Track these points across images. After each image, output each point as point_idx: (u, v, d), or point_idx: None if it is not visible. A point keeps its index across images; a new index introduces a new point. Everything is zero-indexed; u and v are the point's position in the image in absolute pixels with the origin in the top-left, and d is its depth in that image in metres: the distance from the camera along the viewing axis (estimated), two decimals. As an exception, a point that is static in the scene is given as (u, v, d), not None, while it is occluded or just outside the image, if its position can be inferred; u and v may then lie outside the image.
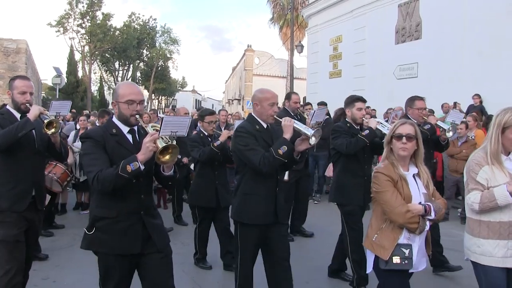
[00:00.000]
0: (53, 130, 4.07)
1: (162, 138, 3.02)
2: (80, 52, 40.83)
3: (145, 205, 3.27)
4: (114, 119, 3.29)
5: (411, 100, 5.76)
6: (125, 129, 3.26)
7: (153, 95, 50.41)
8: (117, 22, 78.32)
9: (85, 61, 41.59)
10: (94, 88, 46.09)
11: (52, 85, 26.45)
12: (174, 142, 3.05)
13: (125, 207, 3.14)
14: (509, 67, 12.14)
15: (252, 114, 4.31)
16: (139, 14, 49.48)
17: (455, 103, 12.26)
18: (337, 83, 20.22)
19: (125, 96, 3.18)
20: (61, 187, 7.35)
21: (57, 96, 26.85)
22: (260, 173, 4.00)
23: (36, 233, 4.39)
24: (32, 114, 3.99)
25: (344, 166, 5.23)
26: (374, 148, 5.17)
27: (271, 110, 4.16)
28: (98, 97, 44.96)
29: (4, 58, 24.37)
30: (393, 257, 3.28)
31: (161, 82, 49.69)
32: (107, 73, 47.79)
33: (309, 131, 3.94)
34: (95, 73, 46.19)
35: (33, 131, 4.08)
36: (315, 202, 10.25)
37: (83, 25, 39.61)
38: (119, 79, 46.86)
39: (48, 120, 4.04)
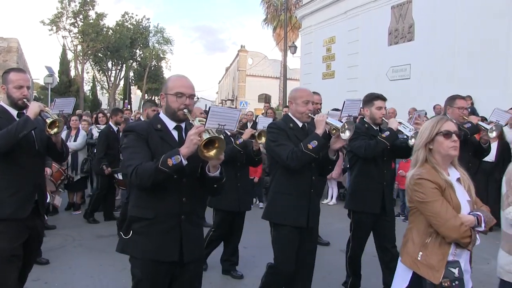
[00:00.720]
0: (55, 130, 3.75)
1: (209, 132, 2.72)
2: (73, 51, 40.73)
3: (186, 209, 2.97)
4: (161, 114, 3.09)
5: (452, 99, 5.40)
6: (171, 124, 3.04)
7: (146, 95, 50.29)
8: (110, 21, 78.02)
9: (78, 61, 41.47)
10: (86, 87, 46.02)
11: (44, 84, 26.31)
12: (222, 136, 2.77)
13: (164, 208, 2.90)
14: (500, 69, 12.20)
15: (288, 113, 4.24)
16: (132, 13, 49.41)
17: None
18: (331, 84, 20.25)
19: (175, 88, 2.97)
20: (55, 186, 7.32)
21: (49, 96, 26.68)
22: (290, 170, 3.88)
23: (39, 239, 4.05)
24: (32, 112, 3.64)
25: (361, 170, 4.89)
26: (395, 151, 4.82)
27: (306, 108, 4.03)
28: (90, 96, 44.88)
29: (-4, 57, 24.24)
30: (442, 281, 2.74)
31: (154, 82, 49.63)
32: (100, 72, 47.65)
33: (340, 124, 3.75)
34: (87, 72, 46.13)
35: (33, 131, 3.73)
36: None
37: (76, 24, 39.46)
38: (112, 79, 46.75)
39: (51, 119, 3.71)
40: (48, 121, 3.69)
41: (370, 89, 17.37)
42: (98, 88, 47.44)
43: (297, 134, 4.03)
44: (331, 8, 20.61)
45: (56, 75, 32.81)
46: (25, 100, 3.76)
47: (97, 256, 6.39)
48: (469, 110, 9.88)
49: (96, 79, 46.95)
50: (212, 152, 2.70)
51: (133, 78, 50.95)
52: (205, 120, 3.12)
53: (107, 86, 47.56)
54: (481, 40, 12.84)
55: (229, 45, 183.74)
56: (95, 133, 9.81)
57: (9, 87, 3.76)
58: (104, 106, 44.14)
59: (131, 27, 45.53)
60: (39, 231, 3.98)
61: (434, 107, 12.21)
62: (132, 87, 53.20)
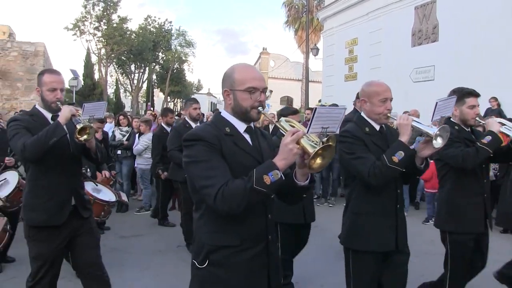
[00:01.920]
0: (85, 136, 3.50)
1: (307, 137, 2.24)
2: (97, 54, 41.20)
3: (272, 227, 2.53)
4: (225, 114, 2.53)
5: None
6: (241, 126, 2.50)
7: (168, 97, 50.65)
8: (133, 25, 78.97)
9: (102, 64, 41.93)
10: (110, 90, 46.47)
11: (69, 87, 26.68)
12: (324, 140, 2.36)
13: (250, 231, 2.40)
14: (528, 70, 11.98)
15: (362, 113, 3.56)
16: (154, 17, 49.85)
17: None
18: (353, 86, 20.05)
19: (245, 82, 2.42)
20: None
21: (74, 99, 27.07)
22: (372, 187, 3.26)
23: (90, 246, 3.81)
24: (62, 117, 3.45)
25: (456, 182, 4.06)
26: (496, 156, 3.98)
27: (383, 107, 3.37)
28: (114, 99, 45.33)
29: (23, 61, 24.77)
30: None
31: (176, 84, 49.96)
32: (123, 75, 48.11)
33: (432, 130, 3.13)
34: (111, 75, 46.57)
35: (64, 136, 3.54)
36: (330, 205, 10.23)
37: (100, 28, 39.97)
38: (135, 81, 47.21)
39: (81, 125, 3.47)
40: (78, 127, 3.46)
41: (393, 91, 17.20)
42: (122, 90, 47.95)
43: (375, 140, 3.40)
44: (353, 10, 20.49)
45: (81, 78, 33.31)
46: (58, 103, 3.61)
47: (120, 256, 6.42)
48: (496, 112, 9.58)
49: (119, 82, 47.45)
50: (319, 162, 2.22)
51: (155, 81, 51.32)
52: (295, 122, 2.54)
53: (130, 89, 48.02)
54: (507, 40, 12.63)
55: (251, 47, 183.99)
56: (118, 135, 9.90)
57: (43, 89, 3.63)
58: (127, 108, 44.58)
59: (154, 30, 45.90)
60: (86, 232, 3.78)
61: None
62: (155, 90, 53.57)
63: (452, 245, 4.04)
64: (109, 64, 43.34)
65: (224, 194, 2.18)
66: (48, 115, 3.67)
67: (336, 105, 11.45)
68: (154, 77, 51.30)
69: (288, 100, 46.54)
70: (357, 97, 6.39)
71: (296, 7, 38.84)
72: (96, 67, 41.70)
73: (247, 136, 2.51)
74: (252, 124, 2.55)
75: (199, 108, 6.98)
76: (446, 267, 4.10)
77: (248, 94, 2.41)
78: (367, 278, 3.41)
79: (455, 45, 14.47)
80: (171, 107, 53.19)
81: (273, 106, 35.76)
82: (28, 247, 3.64)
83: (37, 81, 3.73)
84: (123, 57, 44.44)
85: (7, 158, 5.76)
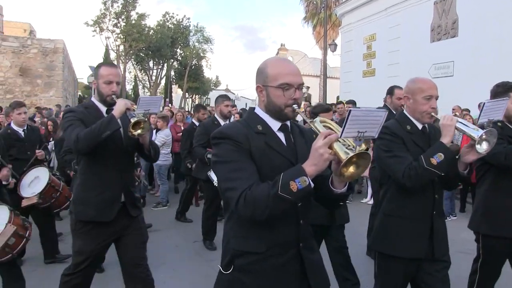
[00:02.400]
0: (139, 131, 3.41)
1: (340, 141, 2.05)
2: (115, 51, 41.56)
3: (304, 234, 2.33)
4: (258, 111, 2.36)
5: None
6: (275, 125, 2.32)
7: (186, 94, 50.85)
8: (151, 22, 79.44)
9: (120, 60, 42.27)
10: (128, 87, 46.93)
11: (87, 83, 27.00)
12: (363, 147, 2.14)
13: (277, 238, 2.22)
14: (550, 65, 11.76)
15: (404, 111, 3.34)
16: (173, 13, 50.09)
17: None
18: (371, 82, 19.97)
19: (279, 77, 2.24)
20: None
21: (92, 95, 27.37)
22: (407, 189, 3.04)
23: (136, 245, 3.72)
24: (117, 111, 3.37)
25: (494, 183, 3.75)
26: None
27: (427, 105, 3.13)
28: (132, 95, 45.73)
29: (43, 57, 25.09)
30: None
31: (194, 81, 50.08)
32: (142, 72, 48.47)
33: (476, 133, 2.88)
34: (129, 72, 46.98)
35: (118, 130, 3.46)
36: (348, 201, 10.18)
37: (118, 24, 40.28)
38: (153, 78, 47.51)
39: (135, 119, 3.38)
40: (132, 121, 3.38)
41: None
42: (140, 87, 48.34)
43: (416, 139, 3.18)
44: (371, 5, 20.33)
45: (100, 74, 33.61)
46: (113, 96, 3.54)
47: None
48: None
49: (138, 78, 47.85)
50: (352, 170, 2.02)
51: (174, 77, 51.50)
52: (332, 124, 2.38)
53: (148, 85, 48.37)
54: (529, 35, 12.41)
55: (269, 43, 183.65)
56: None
57: (99, 82, 3.57)
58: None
59: (172, 26, 46.10)
60: (134, 232, 3.71)
61: (479, 105, 11.85)
62: (173, 86, 53.81)
63: (485, 249, 3.78)
64: (127, 61, 43.67)
65: (246, 199, 2.02)
66: (103, 109, 3.61)
67: (353, 102, 11.34)
68: (172, 73, 51.51)
69: (306, 96, 46.33)
70: (388, 92, 6.25)
71: (315, 2, 38.58)
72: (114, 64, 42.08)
73: (281, 135, 2.32)
74: (288, 122, 2.36)
75: (231, 105, 6.83)
76: (476, 269, 3.87)
77: (281, 91, 2.22)
78: (393, 283, 3.25)
79: (475, 40, 14.25)
80: (189, 104, 53.44)
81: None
82: (72, 240, 3.64)
83: (94, 75, 3.72)
84: (141, 54, 44.76)
85: (37, 151, 5.80)
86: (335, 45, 26.14)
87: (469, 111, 10.65)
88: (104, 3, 39.54)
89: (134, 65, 46.98)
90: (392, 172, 3.11)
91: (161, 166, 9.66)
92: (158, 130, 9.92)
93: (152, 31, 42.92)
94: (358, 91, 20.02)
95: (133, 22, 40.40)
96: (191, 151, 7.48)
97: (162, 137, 9.58)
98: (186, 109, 34.56)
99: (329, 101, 20.54)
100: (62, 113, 3.76)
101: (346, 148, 1.99)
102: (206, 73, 54.73)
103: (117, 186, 3.56)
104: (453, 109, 11.32)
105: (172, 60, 48.83)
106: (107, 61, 39.49)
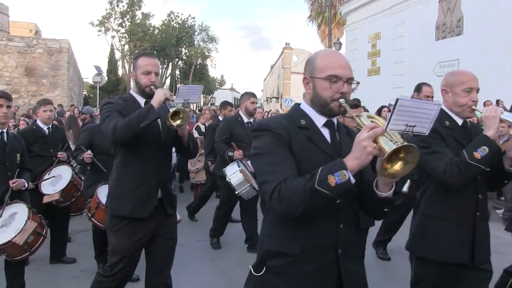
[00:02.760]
0: (178, 122, 3.21)
1: (387, 136, 1.83)
2: (120, 51, 41.67)
3: (344, 240, 2.11)
4: (304, 105, 2.23)
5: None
6: (319, 120, 2.17)
7: (191, 93, 50.89)
8: (156, 21, 79.68)
9: (125, 60, 42.41)
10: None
11: (93, 83, 27.06)
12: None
13: (313, 240, 2.05)
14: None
15: (442, 105, 3.02)
16: (177, 13, 50.20)
17: (498, 101, 11.88)
18: (376, 81, 19.94)
19: (327, 69, 2.09)
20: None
21: (98, 94, 27.44)
22: (448, 187, 2.82)
23: (169, 244, 3.59)
24: (156, 100, 3.21)
25: None
26: None
27: (468, 98, 2.92)
28: (138, 95, 45.85)
29: (48, 57, 25.19)
30: None
31: (199, 80, 50.20)
32: (147, 71, 48.61)
33: None
34: (135, 71, 47.08)
35: (159, 120, 3.32)
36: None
37: (123, 24, 40.39)
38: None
39: (174, 109, 3.17)
40: (171, 111, 3.16)
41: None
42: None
43: (456, 135, 2.94)
44: (376, 4, 20.31)
45: (105, 74, 33.77)
46: (152, 87, 3.39)
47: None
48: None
49: (142, 78, 47.89)
50: (397, 167, 1.82)
51: (179, 76, 51.67)
52: (377, 118, 2.08)
53: (153, 85, 48.49)
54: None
55: (274, 43, 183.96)
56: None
57: (137, 73, 3.45)
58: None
59: (177, 26, 46.20)
60: (168, 232, 3.55)
61: (484, 103, 11.80)
62: (178, 85, 53.94)
63: None
64: (132, 60, 43.83)
65: (281, 192, 1.89)
66: (142, 100, 3.48)
67: (358, 101, 11.28)
68: (177, 72, 51.67)
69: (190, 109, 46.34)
70: (415, 90, 6.03)
71: (319, 1, 38.56)
72: (119, 63, 42.21)
73: (325, 132, 2.17)
74: (335, 119, 2.21)
75: (257, 103, 6.70)
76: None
77: (328, 83, 2.07)
78: None
79: (480, 38, 14.20)
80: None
81: (296, 101, 35.69)
82: (107, 238, 3.56)
83: (132, 66, 3.60)
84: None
85: (59, 153, 5.75)
86: (340, 43, 26.11)
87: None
88: (110, 3, 39.69)
89: (139, 64, 47.08)
90: (431, 170, 2.88)
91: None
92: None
93: (157, 30, 43.02)
94: (363, 89, 19.93)
95: (138, 21, 40.50)
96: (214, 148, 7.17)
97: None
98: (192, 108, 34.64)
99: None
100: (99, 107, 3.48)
101: (392, 142, 1.78)
102: (211, 72, 54.92)
103: (154, 181, 3.40)
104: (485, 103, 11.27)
105: (177, 60, 49.01)
106: (111, 62, 39.65)
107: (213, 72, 62.20)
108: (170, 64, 48.60)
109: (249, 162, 5.95)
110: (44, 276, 5.35)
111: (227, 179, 5.85)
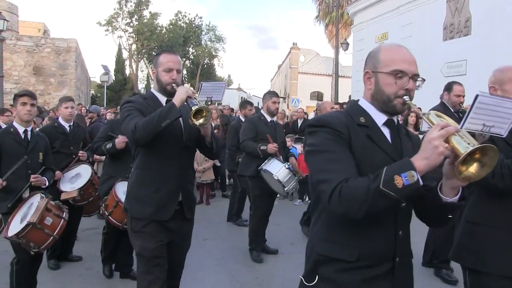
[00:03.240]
0: (201, 120, 3.05)
1: (459, 136, 1.69)
2: (128, 50, 41.80)
3: (402, 248, 2.01)
4: (363, 102, 2.09)
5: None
6: (380, 118, 2.03)
7: (198, 93, 51.02)
8: (164, 21, 79.93)
9: (133, 59, 42.55)
10: (141, 85, 47.20)
11: (100, 82, 27.18)
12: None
13: (372, 247, 1.93)
14: None
15: None
16: (185, 12, 50.32)
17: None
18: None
19: (392, 63, 1.97)
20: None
21: (105, 93, 27.54)
22: (497, 192, 2.61)
23: (183, 248, 3.56)
24: (178, 98, 3.07)
25: None
26: None
27: None
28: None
29: (56, 56, 25.35)
30: None
31: (206, 80, 50.28)
32: (154, 71, 48.82)
33: None
34: (142, 71, 47.31)
35: (180, 119, 3.22)
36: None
37: (131, 24, 40.53)
38: (165, 77, 47.80)
39: (196, 107, 3.01)
40: (193, 109, 3.00)
41: (424, 86, 16.97)
42: (152, 85, 48.52)
43: (507, 137, 2.55)
44: (383, 4, 20.24)
45: (112, 73, 33.92)
46: (174, 85, 3.25)
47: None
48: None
49: (150, 77, 48.02)
50: (473, 170, 1.67)
51: (186, 76, 51.74)
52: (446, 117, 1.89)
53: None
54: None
55: (281, 42, 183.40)
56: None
57: (158, 70, 3.32)
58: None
59: (184, 25, 46.29)
60: (184, 238, 3.49)
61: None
62: (185, 85, 53.99)
63: None
64: (140, 60, 43.93)
65: (342, 192, 1.76)
66: (163, 99, 3.34)
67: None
68: (185, 72, 51.67)
69: (318, 96, 46.22)
70: (445, 89, 5.89)
71: (327, 1, 38.44)
72: (127, 63, 42.36)
73: (386, 131, 2.04)
74: (395, 118, 2.07)
75: (278, 102, 6.61)
76: None
77: (393, 78, 1.95)
78: None
79: (489, 39, 14.11)
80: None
81: (303, 101, 35.65)
82: (131, 242, 3.39)
83: (153, 63, 3.47)
84: (153, 53, 44.98)
85: (80, 152, 5.75)
86: (347, 44, 26.08)
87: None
88: (119, 3, 39.83)
89: (146, 64, 47.22)
90: None
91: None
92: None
93: (164, 30, 43.13)
94: (370, 90, 19.96)
95: (146, 21, 40.63)
96: (239, 148, 6.93)
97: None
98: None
99: (341, 101, 20.47)
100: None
101: (466, 143, 1.64)
102: (218, 72, 54.97)
103: (175, 184, 3.28)
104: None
105: (184, 59, 49.04)
106: (118, 61, 39.76)
107: (220, 71, 62.33)
108: (177, 63, 48.70)
109: (281, 158, 5.96)
110: (51, 273, 5.39)
111: (274, 176, 5.70)
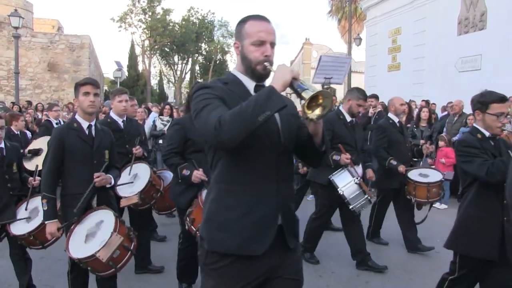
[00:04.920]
0: (318, 111, 2.08)
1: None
2: (141, 46, 41.95)
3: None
4: None
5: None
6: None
7: (211, 88, 51.07)
8: (176, 16, 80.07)
9: (145, 55, 42.67)
10: (153, 81, 47.34)
11: (113, 78, 27.31)
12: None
13: None
14: None
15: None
16: (197, 8, 50.34)
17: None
18: (396, 76, 19.75)
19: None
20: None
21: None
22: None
23: (295, 282, 2.44)
24: (279, 81, 2.07)
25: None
26: None
27: None
28: (157, 90, 46.12)
29: (70, 53, 25.56)
30: None
31: (219, 75, 50.28)
32: (166, 66, 48.86)
33: None
34: (154, 67, 47.40)
35: (276, 113, 2.21)
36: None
37: (144, 20, 40.66)
38: (178, 72, 47.91)
39: (310, 93, 2.01)
40: (306, 95, 2.02)
41: (438, 81, 16.90)
42: (165, 81, 48.66)
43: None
44: (397, -2, 20.09)
45: (125, 69, 34.07)
46: (266, 64, 2.29)
47: (153, 244, 6.44)
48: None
49: (162, 73, 48.18)
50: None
51: (198, 71, 51.77)
52: None
53: (173, 80, 48.73)
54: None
55: (294, 38, 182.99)
56: (159, 124, 10.05)
57: (244, 43, 2.33)
58: (171, 99, 45.29)
59: (197, 21, 46.30)
60: (292, 273, 2.41)
61: (509, 99, 11.61)
62: (198, 81, 54.14)
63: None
64: (152, 56, 44.07)
65: None
66: (250, 84, 2.38)
67: (376, 96, 11.07)
68: (197, 68, 51.75)
69: (331, 91, 46.12)
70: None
71: (340, -4, 38.34)
72: (140, 59, 42.51)
73: None
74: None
75: (365, 108, 6.43)
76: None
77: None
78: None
79: (504, 33, 13.92)
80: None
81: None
82: (201, 276, 2.49)
83: (236, 33, 2.43)
84: (166, 49, 45.11)
85: (135, 148, 5.20)
86: (360, 39, 25.94)
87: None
88: (132, -1, 40.01)
89: (159, 60, 47.38)
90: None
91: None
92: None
93: (177, 26, 43.21)
94: (383, 85, 19.81)
95: (158, 17, 40.73)
96: None
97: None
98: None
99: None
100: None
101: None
102: (230, 67, 54.89)
103: (272, 203, 2.30)
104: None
105: (197, 55, 49.08)
106: (131, 58, 39.75)
107: (233, 67, 62.30)
108: (190, 59, 48.74)
109: (359, 169, 5.44)
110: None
111: (338, 191, 5.10)
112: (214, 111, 2.13)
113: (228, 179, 2.31)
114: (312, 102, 2.06)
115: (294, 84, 2.10)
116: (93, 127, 3.87)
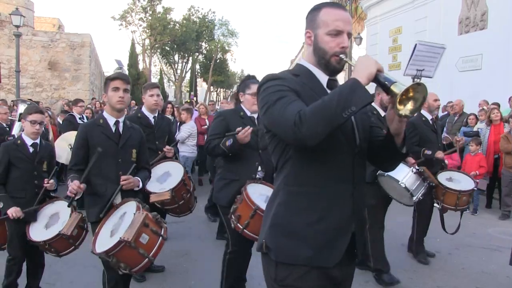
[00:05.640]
0: (410, 106, 1.90)
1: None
2: (141, 45, 41.98)
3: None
4: None
5: None
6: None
7: (211, 87, 51.08)
8: (177, 15, 79.99)
9: (146, 54, 42.71)
10: (154, 80, 47.35)
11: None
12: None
13: None
14: None
15: None
16: (198, 7, 50.39)
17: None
18: (397, 76, 19.57)
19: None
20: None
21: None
22: None
23: None
24: (364, 73, 1.90)
25: None
26: None
27: None
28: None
29: (70, 51, 25.55)
30: None
31: (219, 74, 50.34)
32: (167, 65, 48.98)
33: None
34: (155, 65, 47.52)
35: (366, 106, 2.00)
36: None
37: (144, 18, 40.70)
38: (178, 71, 47.97)
39: (402, 88, 1.86)
40: (396, 90, 1.87)
41: (438, 80, 16.84)
42: (165, 80, 48.77)
43: None
44: (398, -2, 20.09)
45: (126, 68, 34.08)
46: (342, 56, 2.12)
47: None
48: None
49: (163, 72, 48.26)
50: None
51: (199, 70, 51.87)
52: None
53: (173, 79, 48.86)
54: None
55: (294, 36, 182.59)
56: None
57: (318, 33, 2.13)
58: (171, 98, 45.37)
59: (197, 20, 46.35)
60: (349, 285, 2.30)
61: (509, 99, 11.63)
62: (198, 80, 54.12)
63: None
64: (153, 54, 44.10)
65: None
66: (323, 77, 2.18)
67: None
68: (197, 67, 51.87)
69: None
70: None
71: (340, -5, 38.33)
72: (140, 57, 42.57)
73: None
74: None
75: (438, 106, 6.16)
76: None
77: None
78: None
79: (506, 33, 13.90)
80: (214, 97, 53.73)
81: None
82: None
83: (308, 22, 2.20)
84: (166, 47, 45.17)
85: (167, 147, 5.05)
86: (361, 38, 25.91)
87: (498, 105, 10.39)
88: (133, -3, 40.06)
89: (160, 58, 47.48)
90: None
91: (188, 158, 9.63)
92: (182, 123, 9.98)
93: (177, 25, 43.26)
94: (383, 84, 19.83)
95: (159, 16, 40.77)
96: None
97: (188, 128, 9.59)
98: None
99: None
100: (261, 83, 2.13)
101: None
102: (231, 66, 55.01)
103: (349, 206, 2.12)
104: (479, 104, 11.12)
105: (197, 54, 49.19)
106: (132, 56, 39.78)
107: (233, 66, 62.33)
108: (190, 58, 48.79)
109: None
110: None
111: (400, 184, 4.76)
112: (291, 104, 1.93)
113: (300, 182, 2.09)
114: (403, 96, 1.88)
115: (379, 77, 1.94)
116: (120, 124, 3.72)
